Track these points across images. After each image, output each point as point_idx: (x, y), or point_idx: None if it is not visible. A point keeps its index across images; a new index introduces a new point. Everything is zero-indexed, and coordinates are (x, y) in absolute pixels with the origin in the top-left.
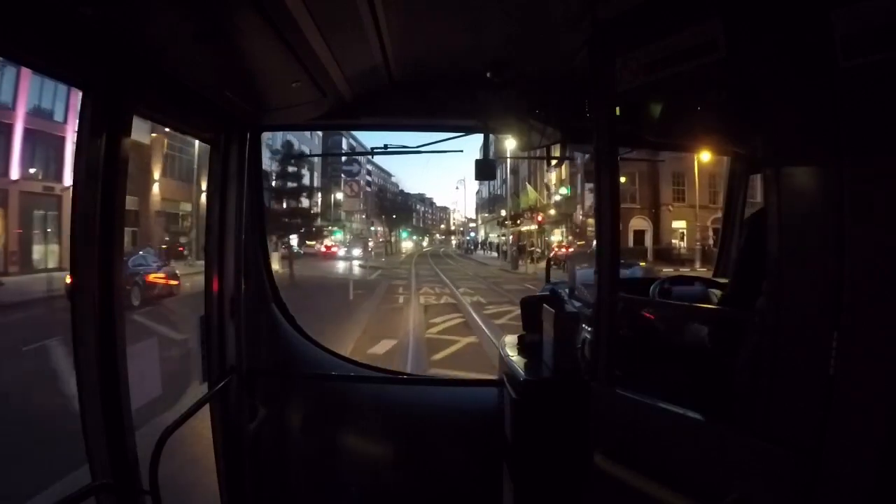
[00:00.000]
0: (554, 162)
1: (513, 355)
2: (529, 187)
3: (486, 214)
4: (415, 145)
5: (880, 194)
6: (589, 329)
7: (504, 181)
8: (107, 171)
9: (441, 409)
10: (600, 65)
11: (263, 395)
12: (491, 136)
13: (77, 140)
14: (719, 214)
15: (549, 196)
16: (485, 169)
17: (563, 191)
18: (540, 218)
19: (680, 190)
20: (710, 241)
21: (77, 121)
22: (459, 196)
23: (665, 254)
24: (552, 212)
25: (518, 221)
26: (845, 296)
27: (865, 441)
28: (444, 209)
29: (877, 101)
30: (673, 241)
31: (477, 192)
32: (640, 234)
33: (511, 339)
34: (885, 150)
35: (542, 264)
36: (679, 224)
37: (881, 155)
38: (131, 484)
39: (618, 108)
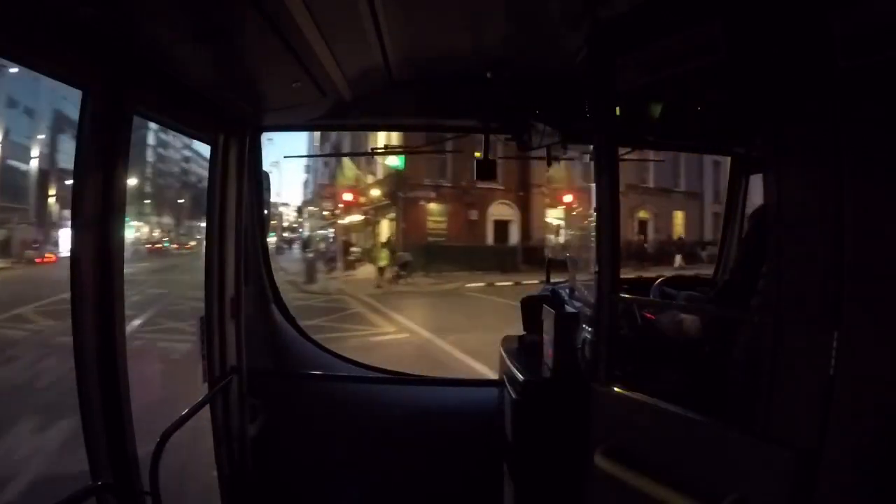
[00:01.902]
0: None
1: (513, 355)
2: (348, 163)
3: (313, 207)
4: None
5: (880, 194)
6: (589, 329)
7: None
8: (107, 170)
9: (441, 409)
10: (600, 65)
11: (263, 396)
12: (491, 136)
13: (77, 140)
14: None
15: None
16: (485, 169)
17: (395, 163)
18: (349, 198)
19: (561, 165)
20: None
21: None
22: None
23: (536, 255)
24: (377, 192)
25: (335, 212)
26: (845, 295)
27: (865, 441)
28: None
29: (877, 101)
30: (548, 235)
31: (304, 182)
32: (502, 227)
33: (511, 339)
34: (884, 150)
35: (362, 272)
36: (556, 215)
37: (881, 155)
38: (131, 484)
39: (618, 108)
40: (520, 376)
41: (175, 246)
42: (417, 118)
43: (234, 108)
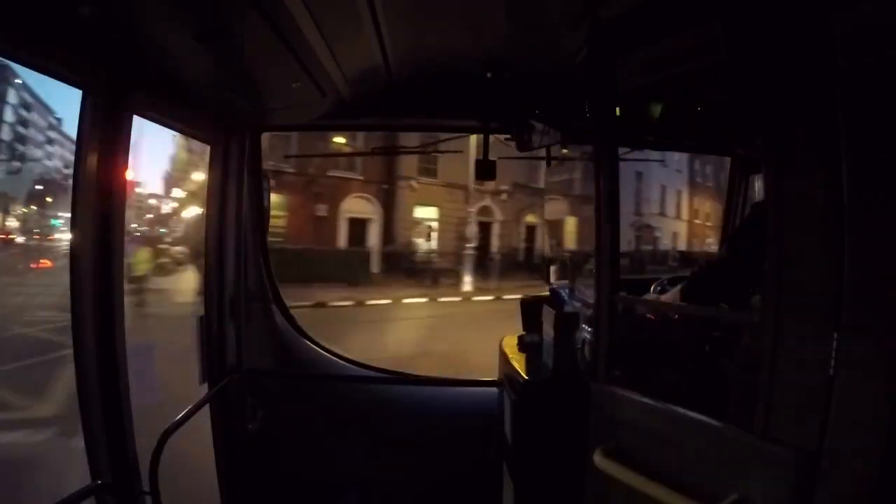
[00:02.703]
0: (554, 163)
1: (513, 356)
2: (183, 145)
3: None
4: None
5: (880, 194)
6: (589, 329)
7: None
8: (107, 170)
9: (441, 409)
10: (600, 65)
11: (263, 395)
12: (491, 136)
13: (77, 140)
14: (486, 202)
15: None
16: (485, 169)
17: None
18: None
19: (433, 157)
20: (491, 245)
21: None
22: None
23: (399, 262)
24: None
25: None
26: (845, 296)
27: (865, 441)
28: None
29: (877, 101)
30: (417, 240)
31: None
32: (358, 226)
33: (511, 340)
34: (884, 150)
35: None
36: (427, 213)
37: (881, 155)
38: (131, 484)
39: (618, 108)
40: (520, 376)
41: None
42: (417, 118)
43: (234, 108)
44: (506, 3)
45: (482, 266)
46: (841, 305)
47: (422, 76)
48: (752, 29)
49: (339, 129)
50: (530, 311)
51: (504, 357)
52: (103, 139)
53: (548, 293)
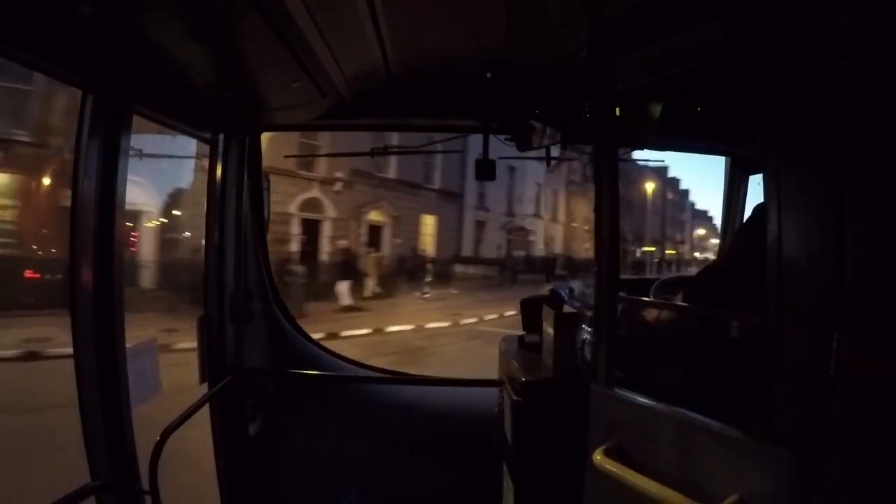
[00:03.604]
0: (553, 163)
1: (513, 355)
2: None
3: None
4: (415, 145)
5: (880, 194)
6: (589, 329)
7: None
8: (106, 170)
9: (441, 409)
10: (600, 64)
11: (263, 395)
12: (491, 136)
13: (77, 140)
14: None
15: None
16: (485, 169)
17: None
18: None
19: None
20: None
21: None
22: None
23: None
24: None
25: None
26: (845, 296)
27: (865, 441)
28: None
29: (877, 101)
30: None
31: None
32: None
33: (511, 339)
34: (884, 150)
35: None
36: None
37: (881, 155)
38: (131, 484)
39: (618, 108)
40: (520, 376)
41: None
42: (417, 118)
43: (234, 108)
44: (506, 3)
45: (292, 284)
46: (841, 305)
47: (422, 76)
48: (751, 29)
49: (339, 129)
50: (530, 311)
51: (504, 357)
52: (103, 138)
53: (548, 293)
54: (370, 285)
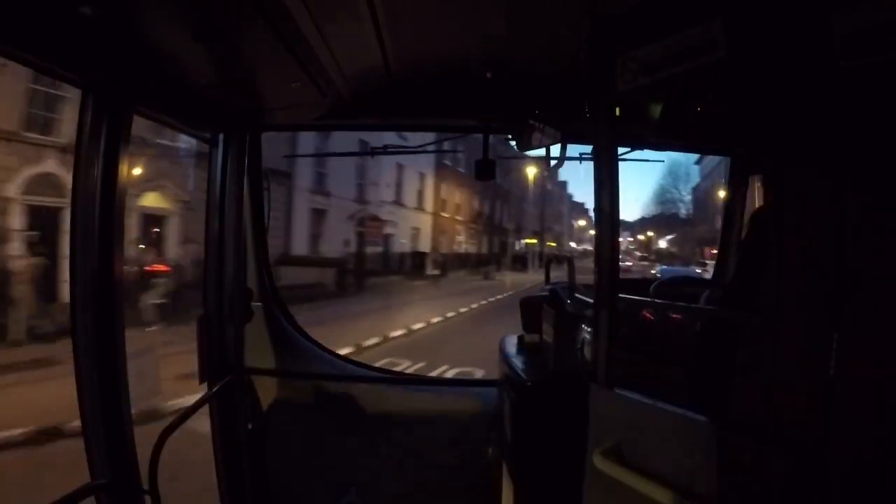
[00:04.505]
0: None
1: (513, 355)
2: None
3: None
4: (415, 145)
5: (880, 194)
6: (589, 329)
7: None
8: (106, 170)
9: (441, 409)
10: (600, 64)
11: (263, 395)
12: (491, 136)
13: (76, 140)
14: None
15: None
16: (485, 169)
17: None
18: None
19: None
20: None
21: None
22: None
23: None
24: None
25: None
26: (845, 296)
27: (865, 441)
28: None
29: (877, 101)
30: None
31: None
32: None
33: (511, 339)
34: (885, 150)
35: None
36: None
37: (881, 155)
38: (130, 484)
39: (618, 108)
40: (520, 376)
41: None
42: (417, 118)
43: (234, 108)
44: (506, 3)
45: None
46: (841, 305)
47: (422, 76)
48: (751, 29)
49: (339, 129)
50: (530, 311)
51: (504, 357)
52: (103, 138)
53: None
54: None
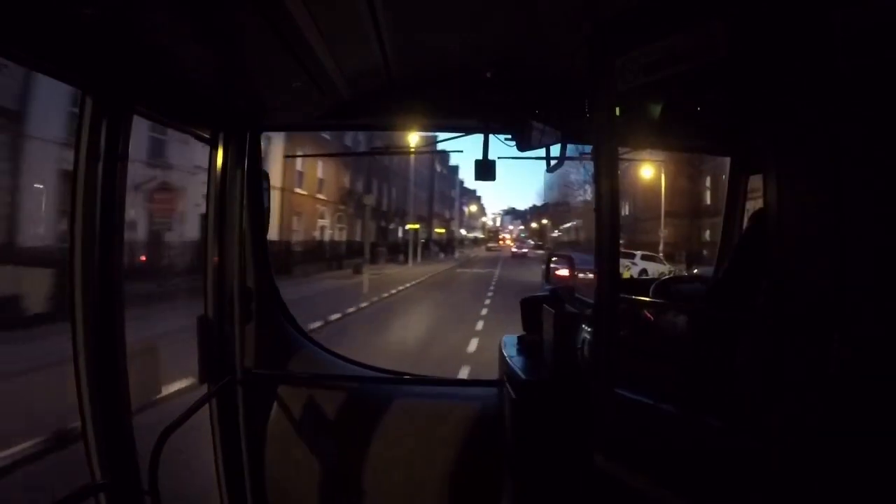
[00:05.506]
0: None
1: (513, 355)
2: None
3: None
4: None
5: (880, 194)
6: (589, 329)
7: None
8: (106, 170)
9: (441, 409)
10: (600, 65)
11: (263, 396)
12: (491, 136)
13: (77, 140)
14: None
15: None
16: (485, 169)
17: None
18: None
19: None
20: None
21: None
22: None
23: None
24: None
25: None
26: (845, 296)
27: (865, 442)
28: None
29: (877, 101)
30: None
31: None
32: None
33: (511, 339)
34: (884, 150)
35: None
36: None
37: (881, 155)
38: (130, 484)
39: (618, 108)
40: (520, 376)
41: None
42: (417, 118)
43: (234, 108)
44: (506, 3)
45: None
46: (841, 305)
47: (422, 76)
48: (752, 28)
49: (339, 129)
50: (530, 310)
51: (504, 357)
52: (103, 138)
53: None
54: None
